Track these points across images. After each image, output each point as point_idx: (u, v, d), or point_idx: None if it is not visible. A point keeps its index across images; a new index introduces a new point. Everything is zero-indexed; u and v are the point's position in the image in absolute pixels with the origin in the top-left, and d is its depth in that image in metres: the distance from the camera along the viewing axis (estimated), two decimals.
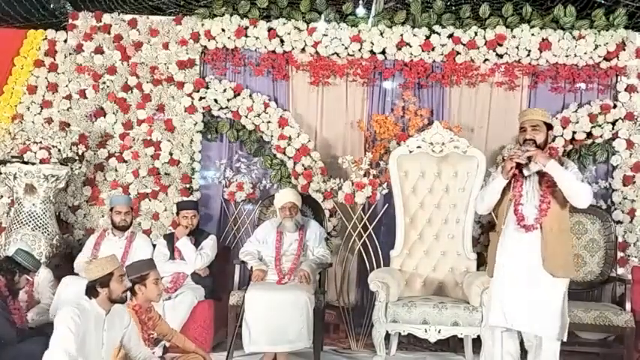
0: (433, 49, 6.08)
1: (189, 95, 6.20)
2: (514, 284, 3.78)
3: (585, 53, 6.01)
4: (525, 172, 3.83)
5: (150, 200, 6.22)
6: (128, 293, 3.92)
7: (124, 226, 5.60)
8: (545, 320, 3.75)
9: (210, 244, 5.55)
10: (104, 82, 6.30)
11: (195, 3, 6.30)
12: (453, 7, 6.25)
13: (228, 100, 6.17)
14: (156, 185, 6.20)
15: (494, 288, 3.90)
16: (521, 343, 3.99)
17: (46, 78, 6.30)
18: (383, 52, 6.17)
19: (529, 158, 3.75)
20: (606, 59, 6.03)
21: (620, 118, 5.97)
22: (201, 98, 6.19)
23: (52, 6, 6.33)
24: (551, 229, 3.78)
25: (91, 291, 3.67)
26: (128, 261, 5.15)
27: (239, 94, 6.19)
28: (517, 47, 6.02)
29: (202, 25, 6.22)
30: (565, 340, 3.82)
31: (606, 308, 5.13)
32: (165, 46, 6.26)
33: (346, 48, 6.15)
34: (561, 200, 3.81)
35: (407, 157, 5.44)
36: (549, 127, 3.91)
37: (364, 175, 5.73)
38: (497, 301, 3.84)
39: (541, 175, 3.82)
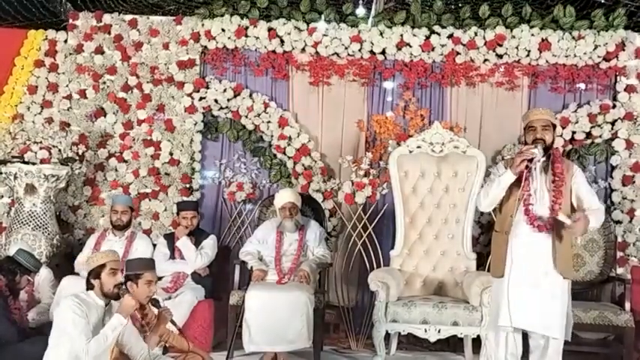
0: (433, 49, 6.08)
1: (190, 95, 6.20)
2: (524, 285, 3.75)
3: (585, 53, 6.01)
4: (533, 166, 3.77)
5: (150, 200, 6.22)
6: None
7: (119, 225, 5.60)
8: (554, 320, 3.76)
9: (210, 244, 5.55)
10: (104, 82, 6.31)
11: (196, 1, 6.30)
12: (453, 8, 6.25)
13: (228, 100, 6.17)
14: (156, 185, 6.20)
15: (504, 288, 3.78)
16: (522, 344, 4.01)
17: (47, 78, 6.31)
18: (383, 52, 6.17)
19: (544, 149, 3.78)
20: (606, 59, 6.04)
21: (619, 118, 5.98)
22: (201, 98, 6.20)
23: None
24: (561, 229, 3.78)
25: (88, 283, 3.77)
26: None
27: (239, 94, 6.19)
28: (517, 47, 6.02)
29: (202, 25, 6.22)
30: (569, 339, 3.85)
31: (606, 308, 5.15)
32: (166, 46, 6.27)
33: (346, 48, 6.15)
34: (568, 200, 3.84)
35: (407, 157, 5.45)
36: (554, 127, 3.94)
37: (364, 175, 5.74)
38: (507, 302, 3.75)
39: (552, 173, 3.81)
